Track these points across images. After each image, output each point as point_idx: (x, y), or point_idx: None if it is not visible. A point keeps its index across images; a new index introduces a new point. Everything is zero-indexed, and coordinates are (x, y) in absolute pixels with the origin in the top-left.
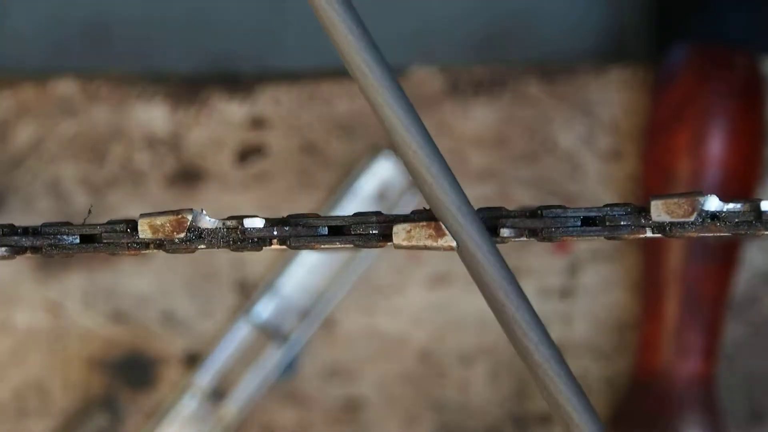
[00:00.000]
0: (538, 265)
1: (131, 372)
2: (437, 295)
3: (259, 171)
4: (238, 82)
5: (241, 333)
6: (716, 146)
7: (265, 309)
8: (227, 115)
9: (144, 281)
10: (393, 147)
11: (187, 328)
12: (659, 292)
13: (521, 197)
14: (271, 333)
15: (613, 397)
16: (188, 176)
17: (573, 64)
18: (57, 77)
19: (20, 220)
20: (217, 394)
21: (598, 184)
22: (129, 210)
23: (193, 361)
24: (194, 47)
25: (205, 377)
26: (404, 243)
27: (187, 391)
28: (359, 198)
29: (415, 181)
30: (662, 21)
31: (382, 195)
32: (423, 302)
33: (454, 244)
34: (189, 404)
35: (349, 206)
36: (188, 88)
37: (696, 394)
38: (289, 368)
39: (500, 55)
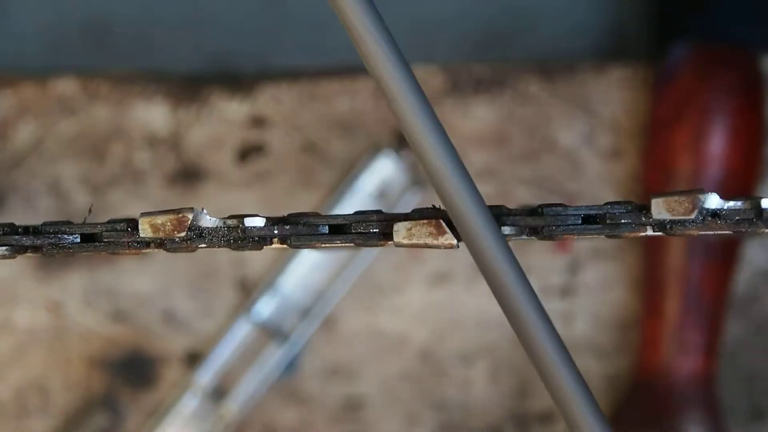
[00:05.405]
0: (538, 263)
1: (132, 371)
2: (438, 293)
3: (260, 170)
4: (238, 80)
5: (241, 332)
6: (716, 144)
7: (265, 308)
8: (228, 114)
9: (144, 280)
10: (407, 140)
11: (188, 327)
12: (660, 291)
13: (522, 196)
14: (271, 332)
15: (614, 396)
16: (189, 175)
17: (573, 63)
18: (57, 76)
19: (21, 219)
20: (218, 392)
21: (598, 183)
22: (129, 209)
23: (193, 360)
24: (195, 46)
25: (205, 376)
26: (405, 241)
27: (188, 390)
28: (359, 197)
29: (428, 175)
30: (663, 19)
31: (382, 194)
32: (424, 301)
33: (454, 242)
34: (190, 403)
35: (350, 205)
36: (189, 87)
37: (697, 392)
38: (290, 367)
39: (501, 53)
